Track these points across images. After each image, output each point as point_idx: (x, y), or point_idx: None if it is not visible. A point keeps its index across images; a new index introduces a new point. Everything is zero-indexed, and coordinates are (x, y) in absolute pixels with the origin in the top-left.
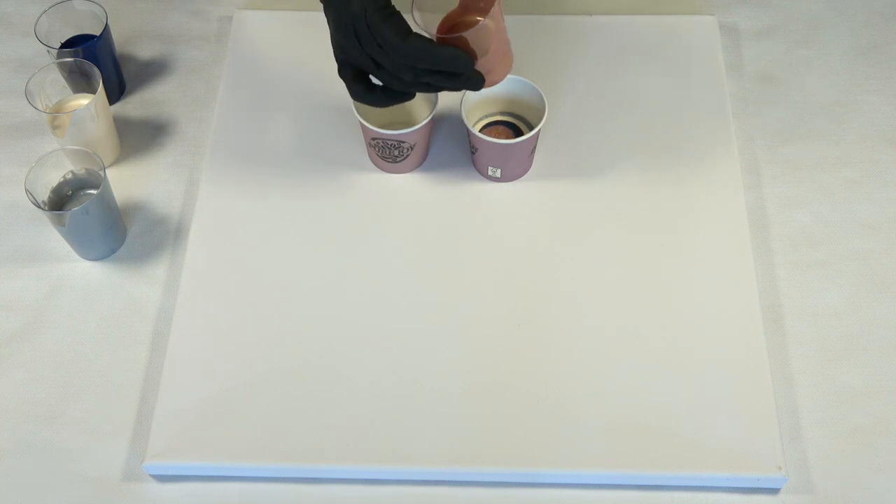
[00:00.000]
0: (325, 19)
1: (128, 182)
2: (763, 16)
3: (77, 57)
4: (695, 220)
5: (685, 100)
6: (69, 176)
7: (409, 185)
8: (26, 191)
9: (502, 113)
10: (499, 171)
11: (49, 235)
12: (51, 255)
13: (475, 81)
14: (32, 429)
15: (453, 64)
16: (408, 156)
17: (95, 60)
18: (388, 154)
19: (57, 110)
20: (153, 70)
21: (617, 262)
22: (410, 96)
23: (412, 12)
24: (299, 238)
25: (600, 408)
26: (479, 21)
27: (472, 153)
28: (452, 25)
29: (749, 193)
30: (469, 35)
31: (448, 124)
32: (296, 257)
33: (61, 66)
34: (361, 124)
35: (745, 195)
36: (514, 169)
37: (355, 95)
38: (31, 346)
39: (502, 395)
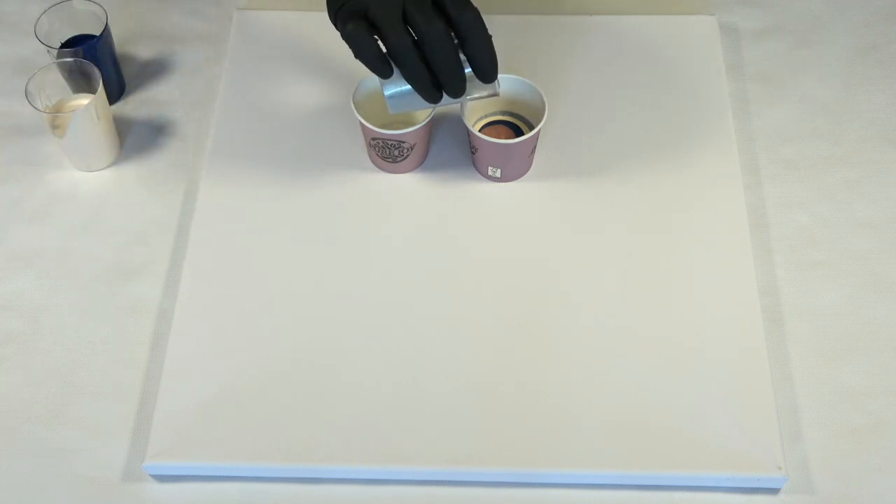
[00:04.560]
0: (325, 20)
1: (128, 182)
2: (763, 16)
3: (77, 57)
4: (695, 220)
5: (685, 100)
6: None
7: (409, 185)
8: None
9: (502, 113)
10: (499, 171)
11: (49, 234)
12: (51, 254)
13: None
14: (32, 429)
15: (454, 69)
16: (408, 156)
17: (95, 60)
18: (388, 154)
19: (57, 110)
20: (153, 70)
21: (617, 262)
22: (389, 72)
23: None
24: (299, 238)
25: (600, 407)
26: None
27: (472, 153)
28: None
29: (749, 193)
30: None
31: (448, 124)
32: (296, 257)
33: (61, 66)
34: (361, 124)
35: (745, 195)
36: (514, 169)
37: (351, 34)
38: (31, 346)
39: (502, 394)
